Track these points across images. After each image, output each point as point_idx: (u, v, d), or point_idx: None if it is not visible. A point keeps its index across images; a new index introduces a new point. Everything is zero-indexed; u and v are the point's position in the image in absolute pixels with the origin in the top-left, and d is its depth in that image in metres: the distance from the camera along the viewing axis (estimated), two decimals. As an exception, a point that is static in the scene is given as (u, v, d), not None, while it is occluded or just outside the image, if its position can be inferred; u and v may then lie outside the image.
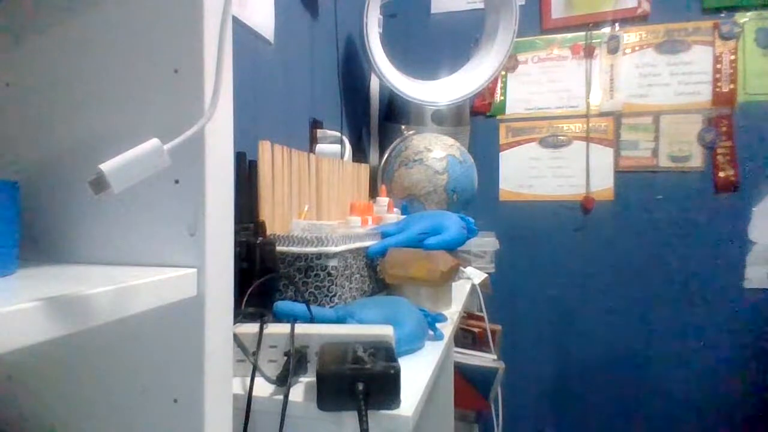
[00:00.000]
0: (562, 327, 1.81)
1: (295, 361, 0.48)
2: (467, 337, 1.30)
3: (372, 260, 0.84)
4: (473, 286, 1.15)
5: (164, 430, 0.36)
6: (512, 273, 1.83)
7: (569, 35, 1.81)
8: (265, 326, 0.51)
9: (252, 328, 0.51)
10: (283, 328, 0.51)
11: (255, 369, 0.47)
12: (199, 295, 0.35)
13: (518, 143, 1.87)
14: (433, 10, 1.96)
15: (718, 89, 1.67)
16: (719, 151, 1.67)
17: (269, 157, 0.77)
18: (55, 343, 0.25)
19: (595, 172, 1.78)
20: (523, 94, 1.87)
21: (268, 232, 0.70)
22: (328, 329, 0.52)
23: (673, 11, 1.70)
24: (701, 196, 1.68)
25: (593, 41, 1.78)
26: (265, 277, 0.60)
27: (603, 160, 1.77)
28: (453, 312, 0.83)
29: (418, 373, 0.53)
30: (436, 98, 1.48)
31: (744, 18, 1.64)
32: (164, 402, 0.36)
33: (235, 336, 0.48)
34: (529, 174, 1.85)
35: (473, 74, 1.53)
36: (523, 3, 1.82)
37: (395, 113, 1.61)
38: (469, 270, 1.29)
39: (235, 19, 0.91)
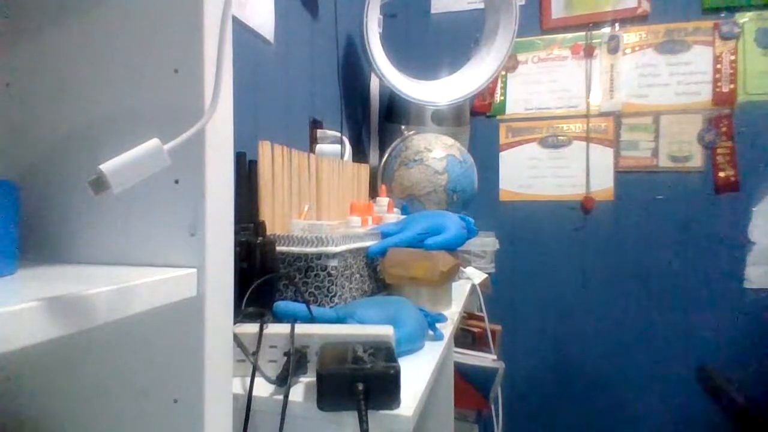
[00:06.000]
0: (562, 327, 1.81)
1: (295, 361, 0.47)
2: (467, 337, 1.30)
3: (372, 260, 0.84)
4: (473, 286, 1.15)
5: (164, 430, 0.36)
6: (512, 273, 1.83)
7: (569, 35, 1.81)
8: (265, 326, 0.50)
9: (252, 328, 0.51)
10: (283, 328, 0.51)
11: (255, 369, 0.47)
12: (199, 295, 0.35)
13: (518, 143, 1.87)
14: (433, 10, 1.96)
15: (718, 89, 1.67)
16: (719, 151, 1.67)
17: (269, 157, 0.77)
18: (55, 343, 0.25)
19: (595, 172, 1.78)
20: (523, 94, 1.87)
21: (268, 232, 0.70)
22: (328, 329, 0.52)
23: (673, 11, 1.70)
24: (701, 196, 1.68)
25: (593, 41, 1.78)
26: (265, 277, 0.60)
27: (603, 160, 1.77)
28: (453, 312, 0.83)
29: (418, 373, 0.53)
30: (436, 98, 1.48)
31: (744, 18, 1.64)
32: (164, 402, 0.36)
33: (235, 336, 0.48)
34: (529, 174, 1.85)
35: (473, 74, 1.53)
36: (523, 3, 1.82)
37: (395, 113, 1.61)
38: (469, 270, 1.29)
39: (235, 19, 0.91)
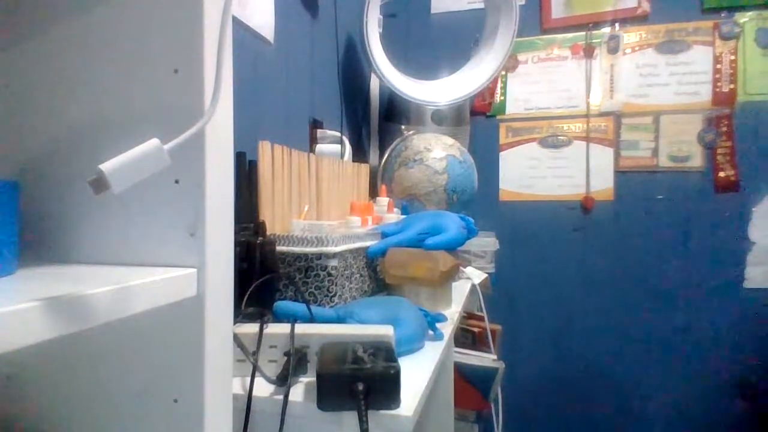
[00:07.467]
0: (562, 327, 1.81)
1: (295, 361, 0.47)
2: (467, 337, 1.30)
3: (372, 260, 0.84)
4: (473, 286, 1.15)
5: (164, 430, 0.36)
6: (512, 273, 1.83)
7: (569, 35, 1.81)
8: (265, 326, 0.50)
9: (252, 328, 0.51)
10: (283, 328, 0.51)
11: (255, 369, 0.47)
12: (199, 295, 0.35)
13: (518, 143, 1.87)
14: (433, 10, 1.96)
15: (718, 89, 1.67)
16: (719, 151, 1.67)
17: (269, 157, 0.77)
18: (55, 343, 0.25)
19: (595, 172, 1.78)
20: (523, 94, 1.87)
21: (268, 232, 0.70)
22: (328, 329, 0.52)
23: (673, 11, 1.70)
24: (701, 196, 1.68)
25: (593, 41, 1.78)
26: (265, 277, 0.60)
27: (603, 160, 1.77)
28: (453, 312, 0.83)
29: (418, 373, 0.53)
30: (436, 98, 1.48)
31: (744, 18, 1.64)
32: (164, 402, 0.36)
33: (235, 336, 0.48)
34: (529, 174, 1.85)
35: (473, 74, 1.53)
36: (523, 3, 1.82)
37: (395, 113, 1.61)
38: (469, 270, 1.29)
39: (235, 19, 0.91)
